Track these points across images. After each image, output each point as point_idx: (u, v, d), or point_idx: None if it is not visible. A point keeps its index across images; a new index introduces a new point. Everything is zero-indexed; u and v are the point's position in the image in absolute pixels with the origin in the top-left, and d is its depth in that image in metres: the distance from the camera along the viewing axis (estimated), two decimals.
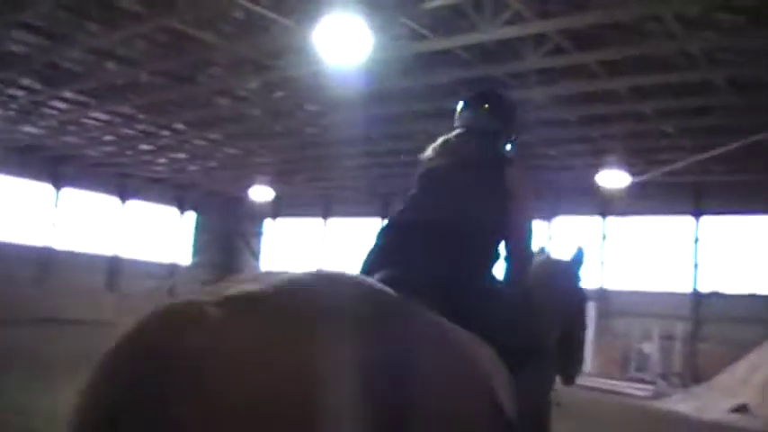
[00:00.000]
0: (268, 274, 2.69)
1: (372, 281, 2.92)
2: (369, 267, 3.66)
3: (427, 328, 2.85)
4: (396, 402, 2.45)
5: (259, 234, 38.59)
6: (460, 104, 4.46)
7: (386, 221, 4.02)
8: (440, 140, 4.20)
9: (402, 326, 2.68)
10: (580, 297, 4.93)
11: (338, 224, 35.89)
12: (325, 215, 36.07)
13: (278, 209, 36.45)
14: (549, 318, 4.46)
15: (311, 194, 35.02)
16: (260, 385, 2.21)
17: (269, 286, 2.48)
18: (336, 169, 28.51)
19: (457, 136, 4.19)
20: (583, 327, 5.01)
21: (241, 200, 34.61)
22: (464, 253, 3.59)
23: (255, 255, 38.35)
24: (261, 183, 30.16)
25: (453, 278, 3.48)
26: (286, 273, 2.68)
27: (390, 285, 2.95)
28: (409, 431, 2.46)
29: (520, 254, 3.89)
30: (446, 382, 2.75)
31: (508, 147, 4.37)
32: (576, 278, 4.92)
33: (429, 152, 4.16)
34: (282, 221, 37.88)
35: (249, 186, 30.79)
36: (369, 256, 3.82)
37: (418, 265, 3.46)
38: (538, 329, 4.14)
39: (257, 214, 36.94)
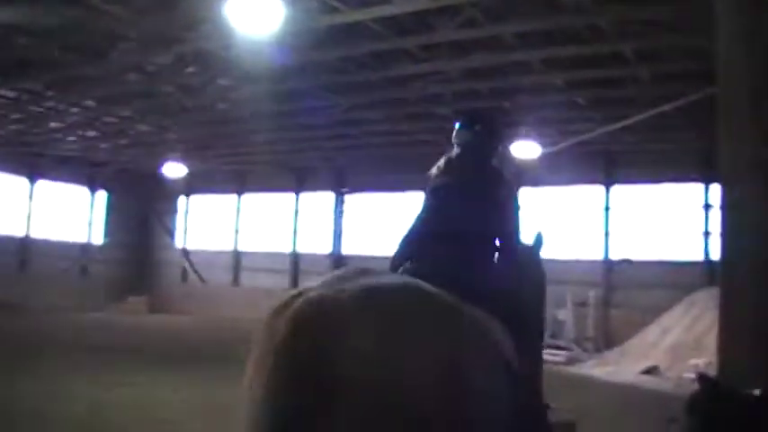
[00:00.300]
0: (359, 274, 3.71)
1: (427, 285, 3.85)
2: (398, 265, 4.78)
3: (466, 315, 3.91)
4: (459, 360, 3.63)
5: (173, 211, 38.04)
6: (457, 125, 5.38)
7: (409, 228, 5.07)
8: (443, 159, 5.21)
9: (454, 318, 3.80)
10: (542, 275, 5.97)
11: (252, 199, 35.60)
12: (239, 191, 35.74)
13: (191, 185, 35.99)
14: (529, 296, 5.49)
15: (225, 170, 34.65)
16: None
17: (370, 287, 3.55)
18: (249, 144, 28.29)
19: (457, 156, 5.20)
20: (544, 301, 6.07)
21: (154, 177, 34.03)
22: (469, 252, 4.72)
23: (170, 232, 37.86)
24: (173, 159, 29.70)
25: (464, 272, 4.52)
26: (372, 278, 3.70)
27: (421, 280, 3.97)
28: (457, 376, 3.56)
29: (509, 249, 5.02)
30: (476, 349, 3.85)
31: (495, 160, 5.38)
32: (539, 260, 5.95)
33: (435, 170, 5.19)
34: (196, 198, 37.43)
35: (162, 163, 30.29)
36: (396, 256, 4.92)
37: (437, 265, 4.49)
38: (527, 307, 5.19)
39: (170, 191, 36.41)
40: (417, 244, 4.89)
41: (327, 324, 3.31)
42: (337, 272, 3.78)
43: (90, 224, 36.04)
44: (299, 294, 3.48)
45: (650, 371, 18.92)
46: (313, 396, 3.22)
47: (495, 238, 4.97)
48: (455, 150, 5.26)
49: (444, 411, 3.49)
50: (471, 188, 4.99)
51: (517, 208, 5.10)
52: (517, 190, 5.24)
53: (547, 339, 23.97)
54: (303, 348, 3.28)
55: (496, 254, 5.01)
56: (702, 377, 1.44)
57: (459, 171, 5.11)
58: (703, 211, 24.78)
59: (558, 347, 23.23)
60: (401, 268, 4.73)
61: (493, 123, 5.58)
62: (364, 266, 3.93)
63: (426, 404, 3.40)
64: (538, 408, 4.87)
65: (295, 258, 33.47)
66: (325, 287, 3.49)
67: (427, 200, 5.11)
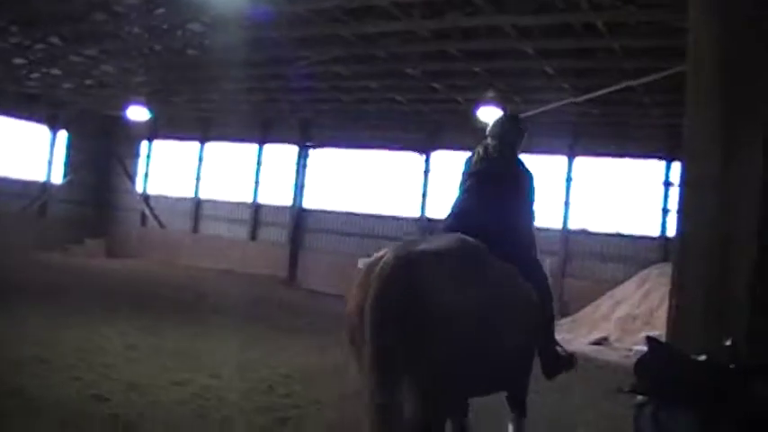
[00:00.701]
0: (429, 239, 5.50)
1: (474, 241, 5.53)
2: (449, 230, 6.13)
3: (498, 262, 5.58)
4: (496, 290, 5.21)
5: (135, 155, 37.58)
6: (491, 121, 7.16)
7: (454, 203, 6.68)
8: (480, 148, 6.84)
9: (491, 263, 5.48)
10: None
11: (216, 148, 35.31)
12: (203, 138, 35.38)
13: (154, 130, 35.60)
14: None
15: (189, 117, 34.30)
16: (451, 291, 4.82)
17: (440, 245, 5.17)
18: (217, 92, 28.01)
19: (493, 146, 6.80)
20: None
21: (117, 120, 33.61)
22: (501, 224, 6.20)
23: (130, 176, 37.45)
24: (137, 103, 29.33)
25: (498, 238, 5.86)
26: (438, 239, 5.44)
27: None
28: (496, 306, 5.11)
29: (527, 222, 6.77)
30: (509, 285, 5.58)
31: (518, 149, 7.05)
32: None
33: (474, 156, 6.82)
34: (159, 143, 37.00)
35: (126, 106, 29.89)
36: (446, 226, 6.37)
37: (479, 234, 5.75)
38: (540, 267, 6.70)
39: (133, 135, 35.97)
40: (462, 217, 6.38)
41: (404, 276, 4.66)
42: (406, 239, 5.59)
43: (50, 164, 35.46)
44: (381, 258, 4.86)
45: (600, 342, 19.22)
46: (403, 322, 4.59)
47: (518, 215, 6.60)
48: (490, 141, 6.86)
49: (488, 327, 5.01)
50: (501, 175, 6.62)
51: (533, 191, 6.75)
52: (534, 179, 6.82)
53: None
54: (391, 293, 4.63)
55: (519, 227, 6.57)
56: (651, 340, 1.49)
57: (493, 160, 6.72)
58: (663, 188, 25.05)
59: None
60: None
61: (517, 122, 7.34)
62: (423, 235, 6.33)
63: (473, 321, 4.84)
64: (552, 339, 6.57)
65: (256, 209, 33.38)
66: (398, 250, 4.89)
67: (466, 181, 6.75)
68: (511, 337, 5.28)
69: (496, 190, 6.50)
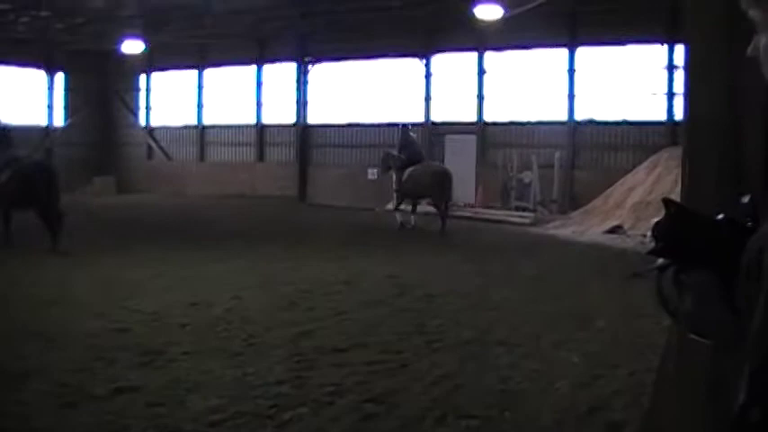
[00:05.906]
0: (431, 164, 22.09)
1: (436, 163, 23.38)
2: (408, 162, 20.93)
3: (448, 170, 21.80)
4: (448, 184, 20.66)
5: (134, 89, 37.25)
6: (401, 128, 21.97)
7: (405, 149, 21.36)
8: (407, 133, 21.68)
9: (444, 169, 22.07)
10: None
11: (215, 73, 34.95)
12: (201, 65, 35.01)
13: (151, 62, 35.15)
14: None
15: (185, 44, 33.83)
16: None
17: (439, 165, 22.85)
18: (209, 15, 27.59)
19: (409, 131, 21.91)
20: None
21: (112, 55, 33.20)
22: (420, 156, 21.58)
23: (132, 111, 37.19)
24: (132, 36, 28.97)
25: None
26: (432, 164, 22.38)
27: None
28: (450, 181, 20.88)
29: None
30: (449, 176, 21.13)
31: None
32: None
33: (405, 135, 21.68)
34: (158, 75, 36.62)
35: (120, 40, 29.53)
36: (403, 159, 21.03)
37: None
38: None
39: (130, 69, 35.55)
40: (418, 154, 21.16)
41: (445, 173, 20.72)
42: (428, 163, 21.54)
43: (50, 107, 35.25)
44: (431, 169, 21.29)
45: (614, 230, 19.25)
46: (448, 184, 20.50)
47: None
48: (407, 133, 21.52)
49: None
50: (417, 143, 22.26)
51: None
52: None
53: (513, 202, 24.30)
54: (446, 177, 20.43)
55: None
56: (668, 201, 1.48)
57: (411, 137, 21.56)
58: (667, 72, 24.77)
59: (525, 209, 23.53)
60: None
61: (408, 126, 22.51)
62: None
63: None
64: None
65: (260, 130, 33.26)
66: (438, 168, 21.93)
67: (406, 140, 21.23)
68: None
69: (416, 143, 21.52)
